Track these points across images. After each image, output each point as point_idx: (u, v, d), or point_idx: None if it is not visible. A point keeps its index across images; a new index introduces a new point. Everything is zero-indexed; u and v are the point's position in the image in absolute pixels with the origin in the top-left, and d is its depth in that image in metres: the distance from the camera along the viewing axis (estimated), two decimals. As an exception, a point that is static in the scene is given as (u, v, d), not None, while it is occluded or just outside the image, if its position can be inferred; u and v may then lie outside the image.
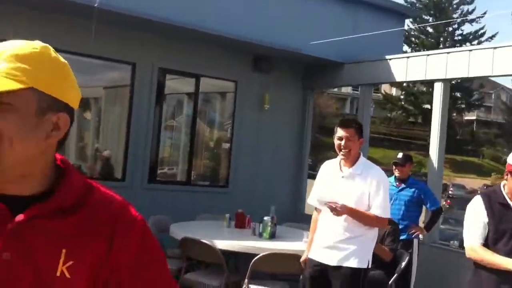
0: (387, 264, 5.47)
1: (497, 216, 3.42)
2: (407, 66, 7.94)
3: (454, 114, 56.23)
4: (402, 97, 52.49)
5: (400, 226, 6.12)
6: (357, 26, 9.06)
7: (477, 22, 55.24)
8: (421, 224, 6.67)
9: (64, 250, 1.16)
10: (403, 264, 5.50)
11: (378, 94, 56.87)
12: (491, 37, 54.84)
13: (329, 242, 4.11)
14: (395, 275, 5.46)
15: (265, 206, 6.65)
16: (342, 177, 4.16)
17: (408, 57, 8.07)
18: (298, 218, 8.33)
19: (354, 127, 4.13)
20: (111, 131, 8.92)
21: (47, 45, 1.24)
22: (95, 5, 6.41)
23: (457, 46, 53.61)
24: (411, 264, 6.07)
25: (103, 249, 1.20)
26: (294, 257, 4.76)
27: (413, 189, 6.26)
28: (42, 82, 1.16)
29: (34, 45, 1.21)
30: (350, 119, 4.70)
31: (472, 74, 7.18)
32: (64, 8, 7.15)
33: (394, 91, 55.44)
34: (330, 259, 4.09)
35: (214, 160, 9.76)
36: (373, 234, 4.24)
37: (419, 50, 52.61)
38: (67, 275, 1.16)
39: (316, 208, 4.43)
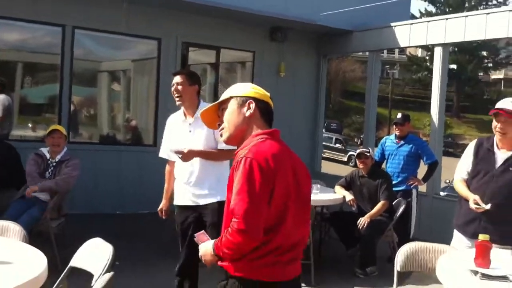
0: (387, 211, 6.32)
1: (479, 158, 4.19)
2: (410, 32, 8.59)
3: (481, 74, 55.77)
4: (427, 58, 52.11)
5: (400, 178, 6.95)
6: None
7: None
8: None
9: None
10: (400, 210, 6.32)
11: (403, 56, 56.64)
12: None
13: (192, 186, 4.31)
14: (394, 220, 6.29)
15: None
16: (190, 124, 4.34)
17: (411, 24, 8.69)
18: (315, 176, 9.12)
19: (184, 73, 4.41)
20: (140, 101, 9.79)
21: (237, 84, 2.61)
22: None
23: (483, 4, 53.00)
24: (411, 211, 6.86)
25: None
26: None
27: (411, 145, 6.99)
28: (236, 93, 2.51)
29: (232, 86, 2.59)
30: (184, 69, 4.65)
31: (467, 38, 7.81)
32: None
33: (419, 52, 55.09)
34: (199, 200, 4.29)
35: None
36: (224, 167, 4.35)
37: (444, 10, 52.07)
38: None
39: (168, 161, 4.61)
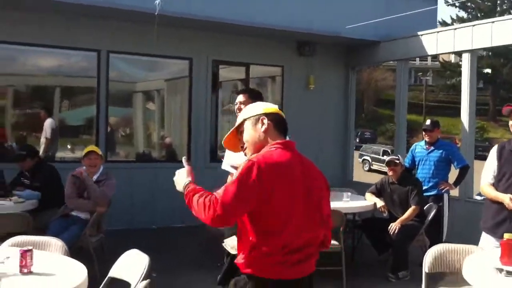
0: (418, 216, 6.38)
1: (503, 161, 4.32)
2: (437, 40, 8.64)
3: (517, 78, 54.81)
4: (460, 62, 51.40)
5: (431, 183, 7.00)
6: (391, 5, 9.80)
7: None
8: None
9: None
10: (431, 215, 6.38)
11: (436, 62, 56.02)
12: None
13: None
14: (425, 225, 6.34)
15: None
16: None
17: (438, 32, 8.75)
18: (347, 184, 9.22)
19: (247, 92, 4.65)
20: (174, 119, 10.06)
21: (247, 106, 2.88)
22: (156, 13, 7.45)
23: (514, 9, 52.13)
24: (443, 216, 6.90)
25: None
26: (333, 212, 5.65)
27: (441, 151, 7.04)
28: (249, 114, 2.75)
29: (247, 107, 2.87)
30: (246, 87, 4.86)
31: (494, 44, 7.82)
32: (129, 16, 8.27)
33: (452, 58, 54.40)
34: None
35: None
36: None
37: (476, 15, 51.50)
38: None
39: (229, 174, 4.71)
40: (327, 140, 10.32)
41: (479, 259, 3.71)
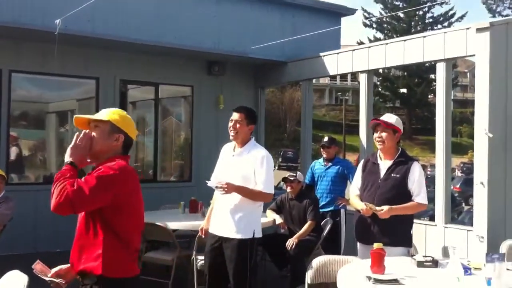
0: (316, 231, 6.60)
1: (366, 172, 4.74)
2: (338, 61, 9.01)
3: (430, 96, 57.54)
4: (378, 83, 53.52)
5: (328, 199, 7.27)
6: (297, 27, 10.17)
7: (447, 3, 56.57)
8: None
9: None
10: (326, 229, 6.62)
11: (355, 82, 57.92)
12: (461, 17, 56.17)
13: (223, 217, 4.62)
14: (321, 239, 6.57)
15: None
16: (233, 155, 4.72)
17: (338, 53, 9.12)
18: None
19: (244, 112, 4.68)
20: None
21: (118, 109, 2.96)
22: (56, 32, 7.41)
23: (428, 30, 54.90)
24: (340, 230, 7.17)
25: None
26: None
27: (338, 167, 7.35)
28: (112, 120, 2.83)
29: (113, 109, 2.97)
30: (243, 106, 4.99)
31: (388, 64, 8.30)
32: (32, 36, 8.14)
33: (370, 78, 56.35)
34: (224, 231, 4.58)
35: (178, 159, 10.82)
36: (256, 207, 4.66)
37: (392, 36, 53.71)
38: None
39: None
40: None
41: (353, 268, 3.92)
